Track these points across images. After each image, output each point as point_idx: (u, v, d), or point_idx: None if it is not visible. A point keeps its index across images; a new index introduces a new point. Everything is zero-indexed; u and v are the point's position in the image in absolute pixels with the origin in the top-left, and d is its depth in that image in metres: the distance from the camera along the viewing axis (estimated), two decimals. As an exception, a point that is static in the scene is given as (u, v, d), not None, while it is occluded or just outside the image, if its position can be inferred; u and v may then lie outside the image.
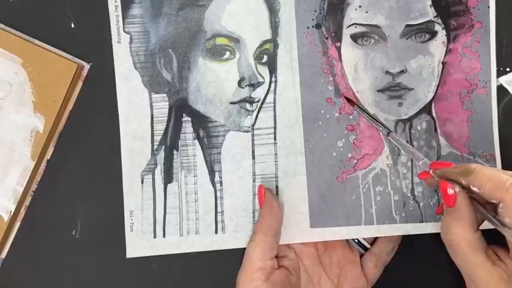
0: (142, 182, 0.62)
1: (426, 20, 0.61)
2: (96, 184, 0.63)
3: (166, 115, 0.62)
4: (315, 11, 0.61)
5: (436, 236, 0.60)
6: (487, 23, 0.61)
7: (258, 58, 0.61)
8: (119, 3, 0.61)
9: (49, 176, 0.63)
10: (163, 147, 0.62)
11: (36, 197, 0.63)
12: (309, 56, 0.61)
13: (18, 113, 0.61)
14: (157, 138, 0.62)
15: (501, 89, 0.61)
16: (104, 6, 0.62)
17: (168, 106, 0.62)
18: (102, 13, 0.62)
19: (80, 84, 0.62)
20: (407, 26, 0.61)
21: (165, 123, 0.62)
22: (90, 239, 0.63)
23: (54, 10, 0.62)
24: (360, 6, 0.61)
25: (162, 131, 0.62)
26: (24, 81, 0.61)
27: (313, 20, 0.61)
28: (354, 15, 0.61)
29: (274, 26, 0.61)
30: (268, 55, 0.62)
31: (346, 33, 0.61)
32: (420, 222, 0.62)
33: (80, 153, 0.63)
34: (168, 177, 0.63)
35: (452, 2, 0.61)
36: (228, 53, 0.61)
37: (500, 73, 0.61)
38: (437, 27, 0.61)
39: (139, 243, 0.63)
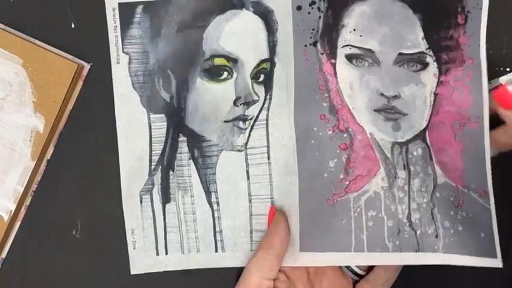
0: (141, 202, 0.63)
1: (418, 51, 0.60)
2: (96, 184, 0.63)
3: (165, 135, 0.62)
4: (313, 29, 0.60)
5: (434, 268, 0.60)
6: (479, 60, 0.60)
7: (255, 77, 0.61)
8: (118, 24, 0.61)
9: (49, 176, 0.63)
10: (160, 168, 0.62)
11: (36, 197, 0.63)
12: (305, 73, 0.61)
13: (18, 113, 0.61)
14: (155, 158, 0.62)
15: (501, 89, 0.61)
16: (103, 6, 0.61)
17: (166, 126, 0.62)
18: (103, 13, 0.61)
19: (80, 84, 0.62)
20: (400, 54, 0.60)
21: (163, 144, 0.62)
22: (90, 239, 0.63)
23: (54, 10, 0.62)
24: (354, 30, 0.60)
25: (160, 151, 0.62)
26: (25, 82, 0.61)
27: (310, 38, 0.60)
28: (349, 37, 0.60)
29: (272, 46, 0.61)
30: (265, 74, 0.61)
31: (341, 52, 0.61)
32: (416, 251, 0.60)
33: (80, 153, 0.63)
34: (166, 198, 0.63)
35: (444, 37, 0.60)
36: (225, 73, 0.61)
37: (500, 73, 0.61)
38: (429, 59, 0.60)
39: (142, 261, 0.63)
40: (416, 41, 0.60)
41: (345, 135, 0.61)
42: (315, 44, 0.61)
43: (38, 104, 0.61)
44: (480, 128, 0.60)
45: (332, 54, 0.61)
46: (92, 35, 0.62)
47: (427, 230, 0.60)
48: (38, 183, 0.63)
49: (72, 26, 0.62)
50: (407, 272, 0.62)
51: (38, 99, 0.61)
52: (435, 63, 0.60)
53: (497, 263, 0.59)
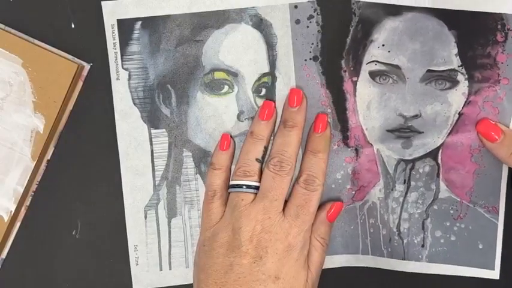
0: (145, 217, 0.63)
1: (449, 68, 0.59)
2: (96, 184, 0.63)
3: (167, 150, 0.62)
4: (312, 44, 0.60)
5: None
6: None
7: (256, 91, 0.61)
8: (117, 40, 0.61)
9: (49, 176, 0.63)
10: (165, 183, 0.63)
11: (36, 197, 0.63)
12: (307, 89, 0.60)
13: (18, 113, 0.61)
14: (159, 173, 0.63)
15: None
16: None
17: (168, 141, 0.62)
18: (102, 13, 0.61)
19: (80, 84, 0.62)
20: (428, 71, 0.59)
21: (166, 158, 0.63)
22: (90, 239, 0.64)
23: (54, 10, 0.62)
24: (383, 45, 0.59)
25: (163, 166, 0.63)
26: (25, 82, 0.61)
27: (310, 52, 0.60)
28: (376, 53, 0.59)
29: (272, 59, 0.61)
30: (266, 88, 0.61)
31: (365, 69, 0.60)
32: (403, 259, 0.62)
33: (80, 153, 0.63)
34: (172, 212, 0.63)
35: (480, 54, 0.58)
36: (226, 87, 0.61)
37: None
38: (460, 77, 0.59)
39: (145, 276, 0.63)
40: (448, 57, 0.59)
41: (349, 149, 0.62)
42: (315, 58, 0.60)
43: (38, 104, 0.61)
44: None
45: (355, 72, 0.60)
46: (92, 35, 0.62)
47: (414, 239, 0.62)
48: (38, 183, 0.63)
49: (72, 26, 0.62)
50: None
51: (38, 99, 0.61)
52: (466, 82, 0.59)
53: (494, 274, 0.61)
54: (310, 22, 0.60)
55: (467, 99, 0.59)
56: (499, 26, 0.58)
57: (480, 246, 0.61)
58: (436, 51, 0.59)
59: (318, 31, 0.60)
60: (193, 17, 0.61)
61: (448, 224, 0.61)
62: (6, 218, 0.62)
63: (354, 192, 0.62)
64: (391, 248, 0.62)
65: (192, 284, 0.61)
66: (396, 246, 0.62)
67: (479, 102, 0.59)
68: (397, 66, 0.59)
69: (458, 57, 0.59)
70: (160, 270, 0.63)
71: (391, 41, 0.59)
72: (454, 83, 0.59)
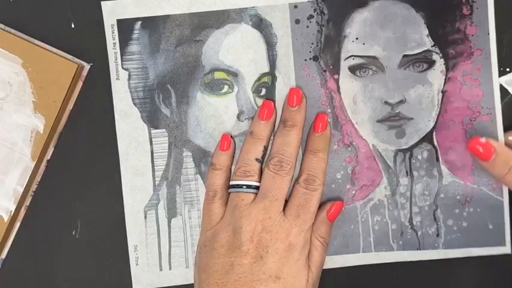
0: (145, 218, 0.63)
1: (423, 49, 0.60)
2: (96, 184, 0.63)
3: (167, 150, 0.62)
4: (312, 44, 0.60)
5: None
6: (488, 50, 0.60)
7: (256, 91, 0.61)
8: (117, 40, 0.61)
9: (49, 176, 0.63)
10: (165, 183, 0.63)
11: (36, 197, 0.63)
12: (307, 88, 0.61)
13: (18, 113, 0.61)
14: (159, 173, 0.63)
15: (501, 89, 0.61)
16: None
17: (168, 141, 0.62)
18: (102, 13, 0.61)
19: (80, 84, 0.62)
20: (404, 56, 0.60)
21: (166, 159, 0.63)
22: (90, 239, 0.64)
23: (54, 10, 0.62)
24: (356, 38, 0.60)
25: (163, 166, 0.63)
26: (25, 82, 0.61)
27: (310, 52, 0.61)
28: (351, 48, 0.60)
29: (272, 59, 0.61)
30: (266, 88, 0.61)
31: (344, 65, 0.61)
32: (418, 249, 0.62)
33: (80, 153, 0.63)
34: (172, 212, 0.63)
35: (450, 31, 0.60)
36: (226, 87, 0.61)
37: (500, 73, 0.61)
38: (435, 57, 0.60)
39: (145, 277, 0.63)
40: (421, 39, 0.60)
41: (349, 148, 0.62)
42: (315, 58, 0.61)
43: (38, 104, 0.61)
44: (492, 119, 0.61)
45: (335, 69, 0.61)
46: (92, 35, 0.62)
47: (428, 230, 0.62)
48: (38, 183, 0.63)
49: (72, 26, 0.62)
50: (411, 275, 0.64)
51: (38, 99, 0.61)
52: (442, 60, 0.60)
53: (506, 250, 0.62)
54: (310, 22, 0.60)
55: (446, 76, 0.61)
56: (464, 0, 0.60)
57: (490, 227, 0.62)
58: (408, 35, 0.60)
59: (318, 31, 0.60)
60: (193, 17, 0.61)
61: (457, 211, 0.62)
62: (6, 218, 0.62)
63: (354, 192, 0.62)
64: (402, 241, 0.62)
65: (192, 284, 0.61)
66: (409, 238, 0.62)
67: (458, 77, 0.61)
68: (374, 57, 0.61)
69: (430, 37, 0.60)
70: (160, 270, 0.63)
71: (364, 33, 0.60)
72: (431, 63, 0.61)
